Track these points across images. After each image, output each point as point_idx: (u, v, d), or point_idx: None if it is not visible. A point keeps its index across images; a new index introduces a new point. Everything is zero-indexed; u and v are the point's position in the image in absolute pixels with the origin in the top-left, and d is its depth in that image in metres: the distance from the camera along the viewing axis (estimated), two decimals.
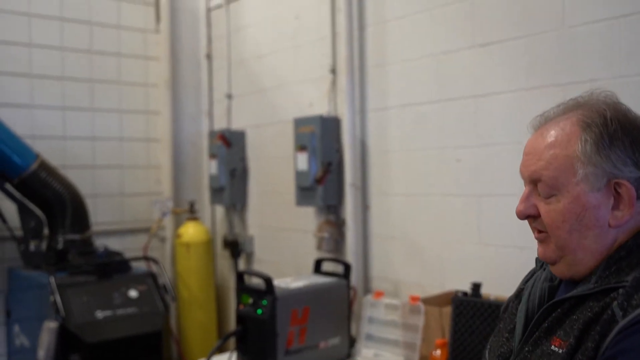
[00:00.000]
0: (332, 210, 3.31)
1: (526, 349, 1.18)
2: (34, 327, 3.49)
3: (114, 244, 4.06)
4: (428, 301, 2.54)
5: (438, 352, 2.33)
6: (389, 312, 2.62)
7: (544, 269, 1.29)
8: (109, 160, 4.24)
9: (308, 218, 3.49)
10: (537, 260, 1.35)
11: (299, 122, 3.30)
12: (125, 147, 4.30)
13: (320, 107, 3.36)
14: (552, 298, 1.21)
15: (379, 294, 2.69)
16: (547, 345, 1.13)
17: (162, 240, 4.29)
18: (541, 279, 1.27)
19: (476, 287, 2.34)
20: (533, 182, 1.19)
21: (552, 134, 1.16)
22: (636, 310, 1.00)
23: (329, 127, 3.22)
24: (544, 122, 1.22)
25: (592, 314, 1.07)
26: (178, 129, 4.31)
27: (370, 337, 2.67)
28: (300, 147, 3.25)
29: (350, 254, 3.13)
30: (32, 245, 3.70)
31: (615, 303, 1.04)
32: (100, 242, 3.94)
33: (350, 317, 2.82)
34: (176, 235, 4.00)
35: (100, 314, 3.35)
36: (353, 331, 2.90)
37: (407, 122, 2.96)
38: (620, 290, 1.05)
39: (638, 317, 1.00)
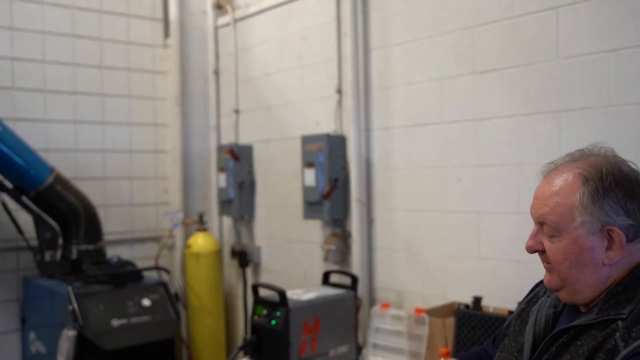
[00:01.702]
0: (338, 223, 3.48)
1: None
2: (50, 334, 3.63)
3: (124, 252, 4.21)
4: (432, 312, 2.71)
5: None
6: (395, 322, 2.79)
7: (548, 296, 1.48)
8: (119, 172, 4.38)
9: (315, 231, 3.66)
10: (541, 286, 1.54)
11: (307, 140, 3.46)
12: (135, 158, 4.45)
13: (326, 125, 3.52)
14: (556, 322, 1.39)
15: (385, 305, 2.86)
16: None
17: (171, 249, 4.45)
18: (546, 306, 1.46)
19: (477, 300, 2.52)
20: (540, 223, 1.38)
21: (557, 184, 1.35)
22: (636, 342, 1.19)
23: (336, 144, 3.39)
24: (552, 169, 1.40)
25: (596, 343, 1.25)
26: (187, 143, 4.47)
27: (377, 346, 2.84)
28: (308, 163, 3.41)
29: (356, 266, 3.30)
30: (47, 255, 3.85)
31: (617, 334, 1.22)
32: (111, 251, 4.09)
33: (357, 326, 3.00)
34: (186, 246, 4.16)
35: (116, 322, 3.50)
36: (359, 339, 3.07)
37: (410, 142, 3.13)
38: (620, 324, 1.23)
39: (638, 347, 1.18)
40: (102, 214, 4.07)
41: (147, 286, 3.79)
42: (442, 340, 2.63)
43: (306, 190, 3.45)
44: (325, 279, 3.14)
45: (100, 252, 3.95)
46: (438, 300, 2.96)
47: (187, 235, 4.32)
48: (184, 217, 4.27)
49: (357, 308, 3.04)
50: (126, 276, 3.76)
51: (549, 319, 1.43)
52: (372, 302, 3.29)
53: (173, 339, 3.67)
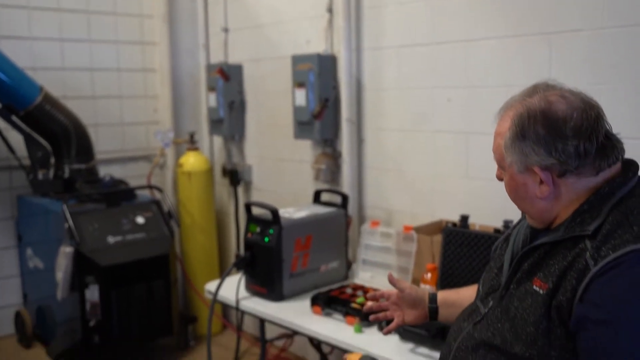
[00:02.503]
0: (328, 143, 3.52)
1: (512, 286, 1.46)
2: (47, 250, 3.73)
3: (115, 171, 4.26)
4: (420, 230, 2.81)
5: (429, 275, 2.62)
6: (384, 239, 2.89)
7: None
8: (108, 91, 4.37)
9: (305, 150, 3.70)
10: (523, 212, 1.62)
11: (297, 60, 3.45)
12: (123, 77, 4.42)
13: (317, 45, 3.50)
14: (533, 241, 1.48)
15: (375, 223, 2.95)
16: (529, 285, 1.40)
17: (162, 168, 4.50)
18: (524, 227, 1.56)
19: (464, 218, 2.61)
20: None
21: (499, 125, 1.46)
22: (605, 260, 1.26)
23: (326, 64, 3.38)
24: (505, 109, 1.47)
25: (566, 263, 1.33)
26: (176, 61, 4.43)
27: (366, 262, 2.95)
28: (299, 83, 3.42)
29: (346, 185, 3.37)
30: (40, 174, 3.89)
31: (587, 254, 1.30)
32: (103, 170, 4.13)
33: (347, 243, 3.10)
34: (178, 165, 4.20)
35: (111, 239, 3.59)
36: (350, 256, 3.19)
37: (401, 62, 3.14)
38: (589, 244, 1.31)
39: (606, 265, 1.26)
40: (92, 133, 4.09)
41: (140, 204, 3.86)
42: (429, 256, 2.74)
43: (297, 110, 3.47)
44: (316, 198, 3.21)
45: (93, 171, 3.99)
46: (426, 218, 3.05)
47: (178, 155, 4.36)
48: (175, 137, 4.29)
49: (347, 226, 3.13)
50: (120, 194, 3.82)
51: (526, 237, 1.52)
52: (361, 220, 3.38)
53: (167, 255, 3.78)
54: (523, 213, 1.62)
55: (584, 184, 1.38)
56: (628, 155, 1.44)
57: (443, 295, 1.84)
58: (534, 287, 1.38)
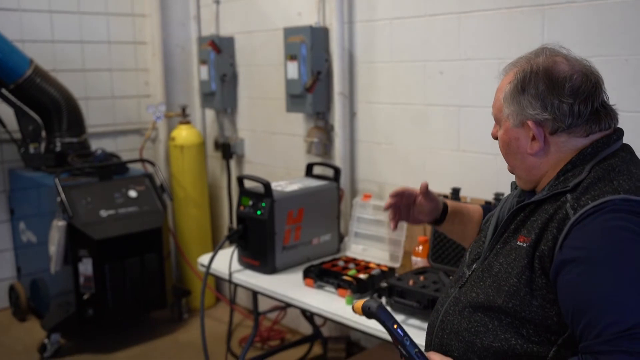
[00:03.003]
0: (320, 116, 3.51)
1: (498, 246, 1.51)
2: (40, 224, 3.74)
3: (107, 145, 4.25)
4: None
5: (420, 247, 2.64)
6: (376, 212, 2.90)
7: (515, 188, 1.64)
8: (99, 64, 4.33)
9: (298, 123, 3.70)
10: (512, 183, 1.67)
11: (289, 32, 3.42)
12: (114, 50, 4.38)
13: (308, 17, 3.47)
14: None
15: (367, 196, 2.96)
16: (514, 242, 1.44)
17: (154, 141, 4.48)
18: (512, 196, 1.62)
19: (455, 191, 2.62)
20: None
21: (503, 80, 1.52)
22: (584, 208, 1.31)
23: (318, 37, 3.35)
24: (511, 66, 1.52)
25: (548, 215, 1.38)
26: (167, 34, 4.38)
27: (358, 235, 2.96)
28: (291, 56, 3.39)
29: (339, 158, 3.37)
30: (32, 148, 3.87)
31: (567, 205, 1.35)
32: (94, 144, 4.12)
33: (339, 216, 3.12)
34: (170, 138, 4.19)
35: (104, 213, 3.60)
36: (342, 229, 3.20)
37: (393, 35, 3.12)
38: (569, 196, 1.37)
39: (584, 212, 1.31)
40: (83, 106, 4.06)
41: (133, 178, 3.86)
42: (421, 228, 2.75)
43: (289, 83, 3.45)
44: (309, 171, 3.22)
45: (84, 145, 3.98)
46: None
47: (170, 128, 4.34)
48: (167, 110, 4.27)
49: (340, 199, 3.15)
50: (112, 168, 3.82)
51: (512, 206, 1.57)
52: (354, 193, 3.39)
53: (160, 228, 3.79)
54: (512, 185, 1.67)
55: (573, 144, 1.43)
56: (621, 127, 1.48)
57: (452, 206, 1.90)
58: (519, 242, 1.43)
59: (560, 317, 1.33)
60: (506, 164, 1.58)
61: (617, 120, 1.48)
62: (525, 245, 1.40)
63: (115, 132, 4.42)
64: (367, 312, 1.38)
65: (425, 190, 1.82)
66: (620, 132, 1.47)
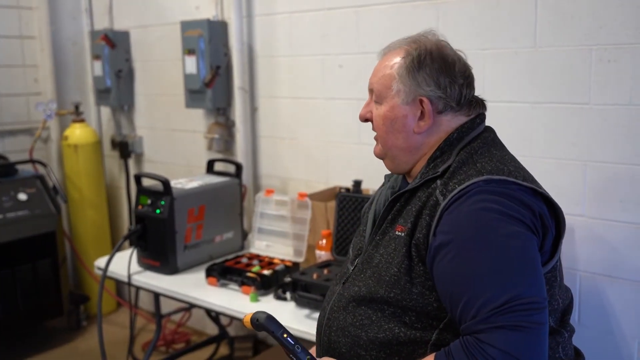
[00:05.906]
0: (221, 112, 3.44)
1: (377, 237, 1.52)
2: None
3: None
4: (314, 197, 2.81)
5: (324, 241, 2.63)
6: (279, 207, 2.86)
7: (389, 181, 1.66)
8: None
9: (198, 120, 3.61)
10: (386, 175, 1.68)
11: (186, 26, 3.33)
12: None
13: (206, 11, 3.39)
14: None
15: (270, 192, 2.92)
16: (393, 232, 1.46)
17: (46, 141, 4.25)
18: (385, 187, 1.64)
19: (357, 183, 2.63)
20: (371, 91, 1.55)
21: (387, 57, 1.52)
22: (451, 193, 1.36)
23: (217, 31, 3.28)
24: (389, 49, 1.55)
25: (421, 203, 1.42)
26: (56, 28, 4.15)
27: (262, 231, 2.92)
28: (189, 50, 3.30)
29: (241, 154, 3.31)
30: None
31: (437, 191, 1.39)
32: None
33: (242, 213, 3.06)
34: (62, 138, 3.98)
35: None
36: (245, 226, 3.15)
37: (292, 28, 3.10)
38: (439, 182, 1.40)
39: (452, 197, 1.35)
40: None
41: (22, 180, 3.65)
42: (324, 222, 2.75)
43: (187, 78, 3.35)
44: (210, 168, 3.15)
45: None
46: (321, 185, 3.06)
47: (63, 127, 4.13)
48: (58, 108, 4.05)
49: (242, 195, 3.09)
50: None
51: (387, 198, 1.59)
52: (256, 189, 3.35)
53: (54, 232, 3.61)
54: (386, 177, 1.68)
55: (456, 122, 1.49)
56: (499, 119, 1.56)
57: None
58: (397, 232, 1.45)
59: (439, 302, 1.35)
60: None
61: (486, 108, 1.56)
62: (402, 234, 1.42)
63: (3, 132, 4.14)
64: (255, 325, 1.34)
65: None
66: (482, 116, 1.53)
